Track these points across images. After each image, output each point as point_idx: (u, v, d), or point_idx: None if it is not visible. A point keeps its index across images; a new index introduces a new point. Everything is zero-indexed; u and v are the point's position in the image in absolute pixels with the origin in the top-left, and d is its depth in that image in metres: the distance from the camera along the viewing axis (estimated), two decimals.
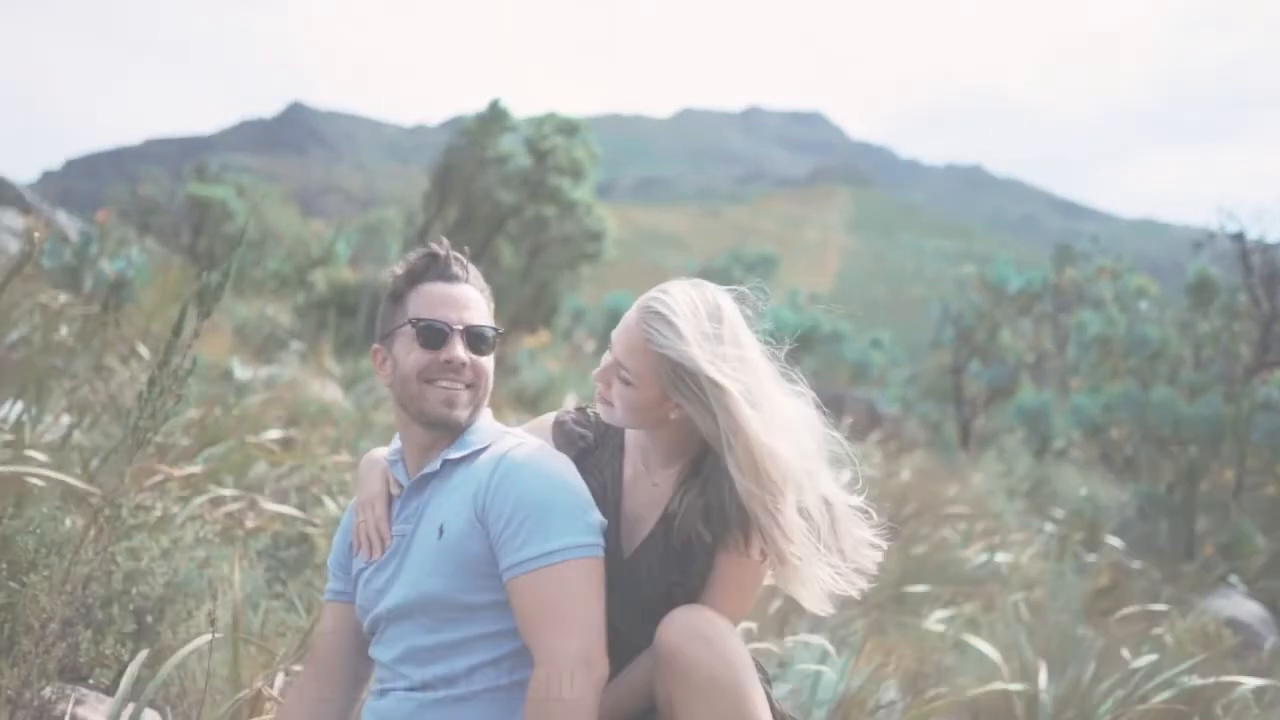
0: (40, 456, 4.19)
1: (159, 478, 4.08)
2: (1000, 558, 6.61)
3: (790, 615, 4.48)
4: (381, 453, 2.48)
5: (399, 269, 2.36)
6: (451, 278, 2.32)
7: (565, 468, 2.23)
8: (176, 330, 2.65)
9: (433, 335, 2.26)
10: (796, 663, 4.03)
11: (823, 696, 3.84)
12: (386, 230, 31.37)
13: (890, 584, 5.85)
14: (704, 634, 2.06)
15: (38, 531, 3.17)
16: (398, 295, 2.34)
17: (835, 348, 25.22)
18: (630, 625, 2.21)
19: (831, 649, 4.01)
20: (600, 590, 2.12)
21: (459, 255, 2.36)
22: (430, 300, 2.29)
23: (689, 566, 2.25)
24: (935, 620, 5.22)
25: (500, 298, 2.51)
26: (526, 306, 16.70)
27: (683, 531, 2.23)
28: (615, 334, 2.25)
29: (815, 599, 2.22)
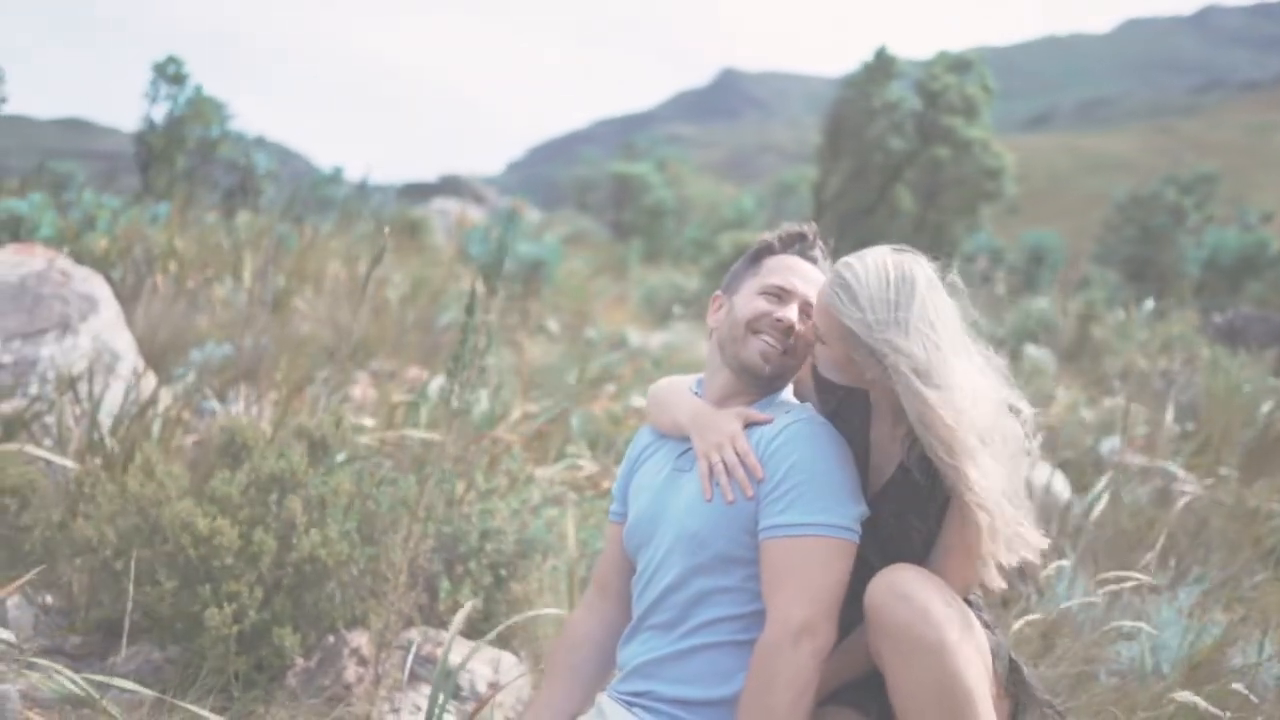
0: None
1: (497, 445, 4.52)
2: None
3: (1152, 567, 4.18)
4: (683, 381, 2.63)
5: (768, 235, 2.56)
6: (810, 258, 2.51)
7: (844, 451, 2.31)
8: (469, 310, 2.95)
9: (776, 293, 2.42)
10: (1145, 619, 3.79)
11: (1165, 655, 3.59)
12: (801, 186, 31.68)
13: None
14: (904, 591, 2.06)
15: (395, 494, 3.66)
16: (757, 256, 2.54)
17: None
18: (876, 565, 2.24)
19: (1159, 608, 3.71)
20: (845, 575, 2.18)
21: (823, 244, 2.54)
22: (785, 266, 2.48)
23: (926, 510, 2.26)
24: None
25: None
26: (922, 253, 16.28)
27: (916, 478, 2.24)
28: (816, 295, 2.34)
29: (1004, 564, 2.16)
